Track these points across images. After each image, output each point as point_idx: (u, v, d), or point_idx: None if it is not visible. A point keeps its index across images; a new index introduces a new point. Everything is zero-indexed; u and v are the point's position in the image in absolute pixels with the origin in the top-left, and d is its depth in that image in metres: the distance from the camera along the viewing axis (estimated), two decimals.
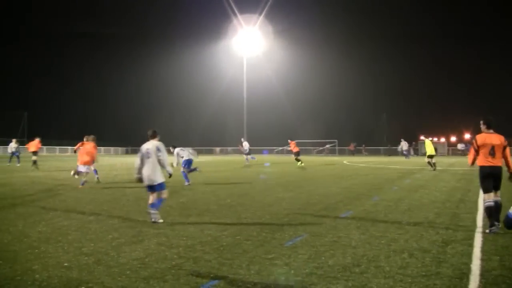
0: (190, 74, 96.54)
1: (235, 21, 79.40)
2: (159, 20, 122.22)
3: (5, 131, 68.42)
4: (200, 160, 34.22)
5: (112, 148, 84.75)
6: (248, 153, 38.16)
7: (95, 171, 20.10)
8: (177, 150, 19.05)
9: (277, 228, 9.13)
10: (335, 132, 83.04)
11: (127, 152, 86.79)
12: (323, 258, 6.84)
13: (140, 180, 10.06)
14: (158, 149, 9.97)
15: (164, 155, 10.05)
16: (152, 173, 9.85)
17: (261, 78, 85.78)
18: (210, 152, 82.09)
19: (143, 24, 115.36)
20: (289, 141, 34.50)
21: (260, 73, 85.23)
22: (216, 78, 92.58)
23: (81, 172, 18.30)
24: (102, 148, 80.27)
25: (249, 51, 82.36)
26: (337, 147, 78.75)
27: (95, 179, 19.76)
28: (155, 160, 9.90)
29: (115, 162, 41.89)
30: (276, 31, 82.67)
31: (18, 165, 33.20)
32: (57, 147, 74.20)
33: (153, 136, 10.25)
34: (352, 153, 72.60)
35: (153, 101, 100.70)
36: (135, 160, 10.48)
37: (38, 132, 31.88)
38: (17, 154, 34.99)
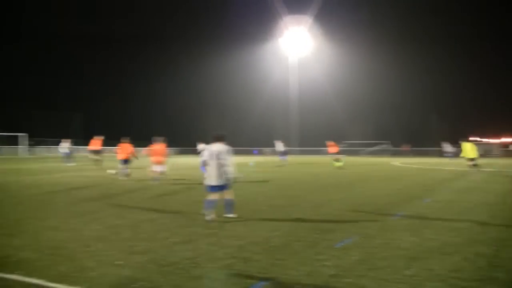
0: (239, 75, 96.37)
1: (283, 21, 79.39)
2: (208, 21, 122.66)
3: (60, 132, 69.92)
4: (250, 160, 34.24)
5: None
6: (284, 154, 38.32)
7: (126, 170, 21.94)
8: (202, 147, 20.84)
9: (327, 229, 9.06)
10: (386, 132, 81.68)
11: (177, 153, 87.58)
12: (374, 260, 6.73)
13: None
14: (224, 152, 10.16)
15: (229, 159, 10.20)
16: (217, 175, 10.06)
17: (310, 79, 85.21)
18: (260, 152, 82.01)
19: (192, 25, 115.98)
20: (327, 142, 34.30)
21: (309, 73, 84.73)
22: (265, 79, 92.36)
23: (156, 171, 20.05)
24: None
25: (298, 51, 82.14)
26: (387, 148, 77.49)
27: (123, 177, 21.61)
28: (220, 162, 10.09)
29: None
30: (325, 31, 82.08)
31: (70, 165, 34.15)
32: (109, 147, 75.01)
33: (219, 139, 10.41)
34: (406, 154, 71.39)
35: (202, 102, 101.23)
36: (202, 160, 10.76)
37: (93, 132, 32.62)
38: (68, 153, 35.85)
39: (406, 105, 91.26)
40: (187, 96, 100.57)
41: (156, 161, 20.15)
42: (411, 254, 7.05)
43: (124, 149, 22.00)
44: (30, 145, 64.19)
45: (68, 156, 35.76)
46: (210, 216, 9.93)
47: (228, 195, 10.34)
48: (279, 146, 38.46)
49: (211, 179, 10.13)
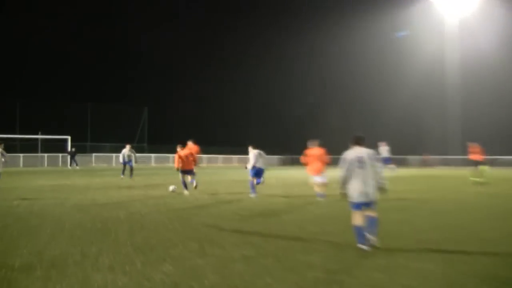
0: (371, 53, 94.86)
1: None
2: None
3: (123, 135, 70.29)
4: (389, 174, 33.89)
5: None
6: (388, 161, 38.05)
7: (193, 180, 24.63)
8: (254, 152, 23.20)
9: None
10: None
11: (283, 163, 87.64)
12: None
13: (346, 195, 11.10)
14: (372, 158, 10.89)
15: (381, 166, 10.93)
16: (366, 187, 10.70)
17: (476, 51, 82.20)
18: (402, 162, 79.53)
19: None
20: (469, 144, 33.35)
21: (475, 43, 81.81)
22: (409, 56, 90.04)
23: (317, 182, 21.98)
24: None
25: (459, 11, 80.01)
26: None
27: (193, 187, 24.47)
28: (370, 171, 10.74)
29: (270, 175, 42.47)
30: None
31: (123, 177, 35.82)
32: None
33: (359, 142, 11.19)
34: None
35: (319, 96, 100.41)
36: (340, 171, 11.04)
37: (162, 134, 33.57)
38: (130, 164, 36.75)
39: None
40: (299, 90, 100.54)
41: (315, 170, 21.79)
42: None
43: (182, 155, 24.48)
44: (69, 152, 65.18)
45: (129, 166, 37.03)
46: (366, 243, 10.49)
47: (372, 212, 10.78)
48: (383, 150, 38.25)
49: (355, 193, 10.72)
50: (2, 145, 24.40)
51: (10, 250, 10.84)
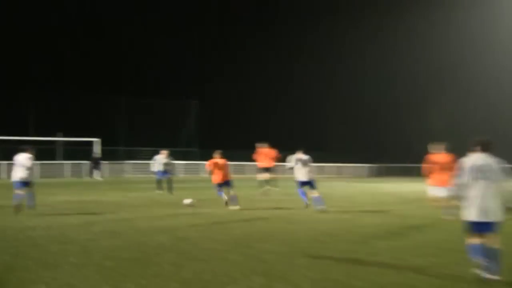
0: (475, 30, 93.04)
1: None
2: None
3: (166, 138, 68.85)
4: None
5: (355, 166, 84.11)
6: None
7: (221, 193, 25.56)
8: (297, 158, 24.48)
9: None
10: None
11: (375, 174, 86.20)
12: None
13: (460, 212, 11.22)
14: (498, 169, 10.71)
15: (504, 179, 10.71)
16: (487, 204, 10.55)
17: None
18: None
19: None
20: None
21: None
22: None
23: (441, 196, 21.52)
24: (344, 166, 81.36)
25: None
26: None
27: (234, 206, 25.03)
28: (494, 185, 10.60)
29: (358, 189, 42.26)
30: None
31: (159, 192, 36.11)
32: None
33: (484, 148, 11.07)
34: None
35: (422, 90, 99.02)
36: (456, 182, 11.19)
37: (217, 136, 33.68)
38: (168, 175, 36.99)
39: None
40: (388, 81, 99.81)
41: (440, 181, 21.40)
42: None
43: (219, 165, 25.51)
44: (94, 159, 64.67)
45: (166, 178, 36.98)
46: (485, 271, 10.30)
47: (493, 241, 10.60)
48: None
49: (472, 210, 10.64)
50: (30, 150, 24.77)
51: (24, 286, 10.90)
